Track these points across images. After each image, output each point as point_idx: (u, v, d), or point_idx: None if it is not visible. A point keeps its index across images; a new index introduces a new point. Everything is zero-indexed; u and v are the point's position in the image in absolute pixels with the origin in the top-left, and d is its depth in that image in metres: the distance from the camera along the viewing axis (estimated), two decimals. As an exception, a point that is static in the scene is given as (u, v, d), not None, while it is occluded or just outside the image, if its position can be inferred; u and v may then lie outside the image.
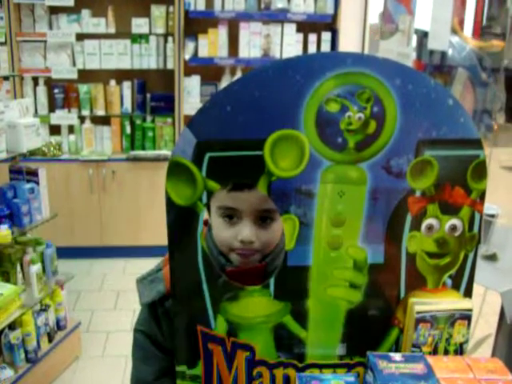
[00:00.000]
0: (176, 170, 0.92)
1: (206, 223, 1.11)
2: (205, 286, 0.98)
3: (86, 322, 3.26)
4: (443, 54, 3.92)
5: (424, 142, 0.92)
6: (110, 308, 3.44)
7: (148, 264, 1.17)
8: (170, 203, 0.94)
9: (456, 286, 1.01)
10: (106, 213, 4.08)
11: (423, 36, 3.59)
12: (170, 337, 1.10)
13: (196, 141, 0.91)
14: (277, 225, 1.05)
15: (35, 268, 2.51)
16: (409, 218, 0.96)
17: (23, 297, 2.44)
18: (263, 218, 1.04)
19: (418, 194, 0.95)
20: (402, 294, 1.00)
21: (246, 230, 1.03)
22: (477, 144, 0.94)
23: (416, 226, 0.96)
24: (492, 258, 1.88)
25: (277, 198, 0.94)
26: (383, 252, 0.97)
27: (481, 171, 0.95)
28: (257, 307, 0.99)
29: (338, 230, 0.95)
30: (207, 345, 1.01)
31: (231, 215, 1.04)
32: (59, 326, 2.80)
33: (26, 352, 2.51)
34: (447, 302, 0.99)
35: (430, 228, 0.97)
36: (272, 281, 0.98)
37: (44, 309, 2.63)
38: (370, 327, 1.01)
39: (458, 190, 0.95)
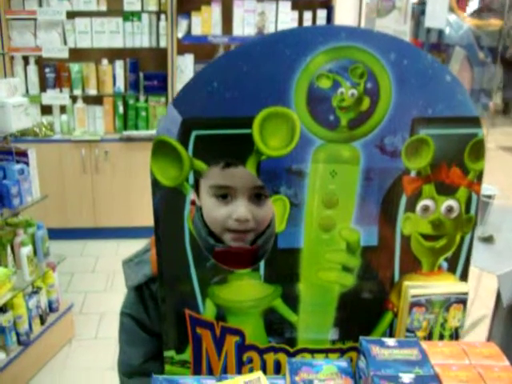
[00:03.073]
0: (161, 150, 0.89)
1: (194, 203, 1.08)
2: (192, 270, 0.96)
3: (79, 304, 3.25)
4: (440, 33, 3.88)
5: (420, 120, 0.89)
6: (103, 289, 3.42)
7: (141, 245, 1.15)
8: (155, 184, 0.91)
9: (452, 269, 0.99)
10: (98, 194, 4.05)
11: (420, 14, 3.53)
12: (157, 320, 1.09)
13: (181, 118, 0.88)
14: (270, 201, 1.03)
15: (26, 250, 2.48)
16: (404, 199, 0.94)
17: (14, 279, 2.42)
18: (257, 195, 1.01)
19: (413, 173, 0.92)
20: (397, 278, 0.98)
21: (241, 209, 1.01)
22: (475, 122, 0.91)
23: (411, 207, 0.94)
24: (488, 239, 1.85)
25: (266, 178, 0.91)
26: (377, 234, 0.95)
27: (478, 150, 0.92)
28: (246, 291, 0.97)
29: (330, 211, 0.93)
30: (196, 329, 1.00)
31: (225, 194, 1.01)
32: (51, 308, 2.78)
33: (18, 335, 2.50)
34: (442, 285, 0.98)
35: (425, 209, 0.95)
36: (262, 264, 0.96)
37: (35, 291, 2.61)
38: (364, 311, 0.99)
39: (454, 170, 0.93)
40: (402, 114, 0.88)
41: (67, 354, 2.84)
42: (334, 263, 0.96)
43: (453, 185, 0.94)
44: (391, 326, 1.00)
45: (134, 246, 1.17)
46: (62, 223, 3.97)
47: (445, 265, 0.98)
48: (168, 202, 0.92)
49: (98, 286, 3.45)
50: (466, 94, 0.90)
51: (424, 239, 0.96)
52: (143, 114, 4.09)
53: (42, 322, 2.68)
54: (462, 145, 0.91)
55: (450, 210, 0.95)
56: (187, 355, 1.01)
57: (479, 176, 0.94)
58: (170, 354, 1.02)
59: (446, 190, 0.93)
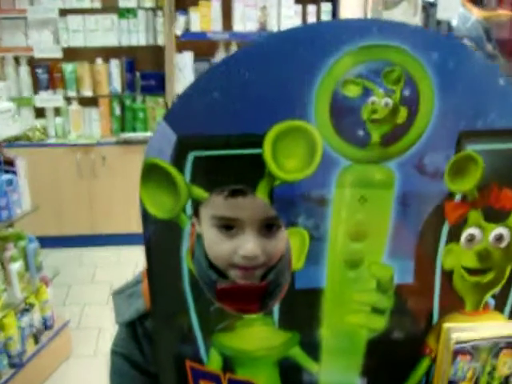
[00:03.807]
0: (152, 175, 0.76)
1: (193, 225, 0.93)
2: (193, 315, 0.83)
3: (77, 318, 3.13)
4: (450, 25, 3.76)
5: (467, 134, 0.74)
6: (102, 302, 3.28)
7: (143, 251, 0.99)
8: (145, 216, 0.79)
9: (499, 307, 0.85)
10: (96, 199, 3.97)
11: (429, 6, 3.41)
12: (153, 360, 0.96)
13: (176, 137, 0.74)
14: (283, 231, 0.88)
15: (16, 266, 2.38)
16: (446, 228, 0.79)
17: (4, 297, 2.30)
18: (269, 226, 0.87)
19: (457, 198, 0.78)
20: (435, 319, 0.84)
21: (249, 245, 0.86)
22: (531, 134, 0.76)
23: (454, 237, 0.80)
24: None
25: (281, 207, 0.77)
26: (413, 269, 0.81)
27: (535, 168, 0.77)
28: (258, 338, 0.84)
29: (358, 245, 0.79)
30: (199, 382, 0.87)
31: (230, 225, 0.86)
32: (46, 325, 2.66)
33: (9, 357, 2.39)
34: (490, 327, 0.83)
35: (470, 239, 0.81)
36: (276, 307, 0.82)
37: (28, 309, 2.50)
38: (396, 358, 0.86)
39: (506, 193, 0.79)
40: (446, 127, 0.74)
41: (64, 373, 2.73)
42: (362, 305, 0.82)
43: (503, 210, 0.80)
44: (428, 373, 0.86)
45: (135, 252, 1.04)
46: (58, 231, 3.88)
47: (492, 302, 0.84)
48: (162, 237, 0.79)
49: (98, 298, 3.33)
50: (522, 100, 0.75)
51: (468, 273, 0.82)
52: (141, 115, 4.00)
53: (36, 341, 2.57)
54: None
55: (499, 238, 0.81)
56: (190, 411, 0.88)
57: (534, 197, 0.79)
58: (169, 409, 0.89)
59: (495, 216, 0.79)
